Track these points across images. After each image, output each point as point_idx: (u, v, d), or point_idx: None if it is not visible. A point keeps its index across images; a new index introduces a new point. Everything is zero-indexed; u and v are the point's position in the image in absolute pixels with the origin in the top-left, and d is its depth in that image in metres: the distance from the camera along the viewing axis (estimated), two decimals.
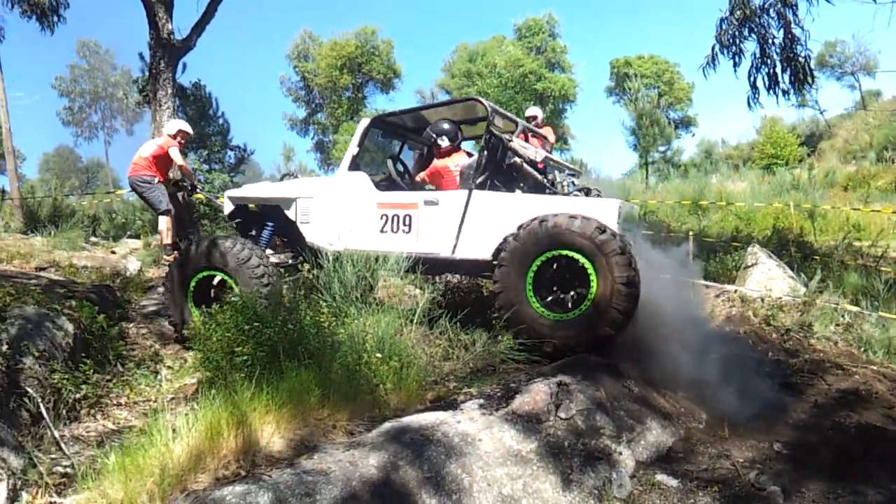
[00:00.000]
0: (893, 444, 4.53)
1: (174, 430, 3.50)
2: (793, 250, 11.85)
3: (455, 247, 6.08)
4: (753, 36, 9.82)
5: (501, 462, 3.71)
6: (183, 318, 6.39)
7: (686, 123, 38.87)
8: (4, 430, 3.90)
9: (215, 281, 6.40)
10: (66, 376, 4.80)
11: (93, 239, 12.26)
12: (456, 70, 37.42)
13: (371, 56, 37.54)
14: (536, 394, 4.36)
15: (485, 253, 5.97)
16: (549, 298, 5.60)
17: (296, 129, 42.11)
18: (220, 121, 18.23)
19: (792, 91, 9.73)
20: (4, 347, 4.61)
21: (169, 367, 5.85)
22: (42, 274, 7.88)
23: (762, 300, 8.25)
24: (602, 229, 5.35)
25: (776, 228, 13.58)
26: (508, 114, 7.03)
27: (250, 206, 7.36)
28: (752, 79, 9.72)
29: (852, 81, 36.56)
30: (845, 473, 4.17)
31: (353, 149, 6.72)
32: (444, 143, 6.76)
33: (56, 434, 4.22)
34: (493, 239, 5.94)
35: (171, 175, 9.69)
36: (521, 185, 6.54)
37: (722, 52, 9.88)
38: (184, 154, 9.99)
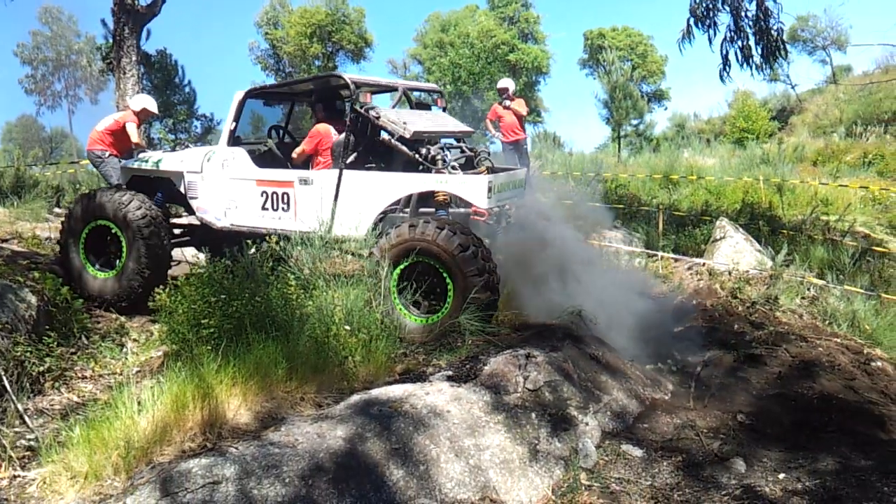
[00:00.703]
0: (852, 414, 4.63)
1: (139, 403, 3.47)
2: (761, 224, 11.98)
3: (331, 226, 6.10)
4: (727, 8, 9.80)
5: (469, 433, 3.73)
6: (72, 268, 6.62)
7: (659, 97, 38.93)
8: None
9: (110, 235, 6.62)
10: (30, 349, 4.72)
11: (56, 210, 11.99)
12: (428, 40, 37.01)
13: (342, 24, 36.95)
14: (504, 366, 4.39)
15: (359, 232, 5.99)
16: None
17: (268, 104, 41.46)
18: (187, 90, 17.93)
19: (764, 65, 9.75)
20: None
21: (135, 340, 5.79)
22: (4, 245, 7.72)
23: (729, 273, 8.35)
24: (440, 227, 5.38)
25: (745, 202, 13.70)
26: (383, 80, 6.99)
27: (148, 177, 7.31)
28: (724, 52, 9.69)
29: (824, 56, 36.76)
30: (805, 442, 4.26)
31: (229, 123, 6.68)
32: (320, 111, 6.78)
33: (20, 407, 4.15)
34: (365, 218, 5.99)
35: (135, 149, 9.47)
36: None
37: (697, 26, 9.83)
38: (147, 125, 9.78)
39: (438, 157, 6.09)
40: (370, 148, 6.47)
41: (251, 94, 6.89)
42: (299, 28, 36.70)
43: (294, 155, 6.72)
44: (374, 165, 6.52)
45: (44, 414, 4.30)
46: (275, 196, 6.42)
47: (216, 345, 4.17)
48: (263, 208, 6.48)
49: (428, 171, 6.03)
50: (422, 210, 6.06)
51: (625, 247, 9.83)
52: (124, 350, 5.49)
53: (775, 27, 9.48)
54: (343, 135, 6.30)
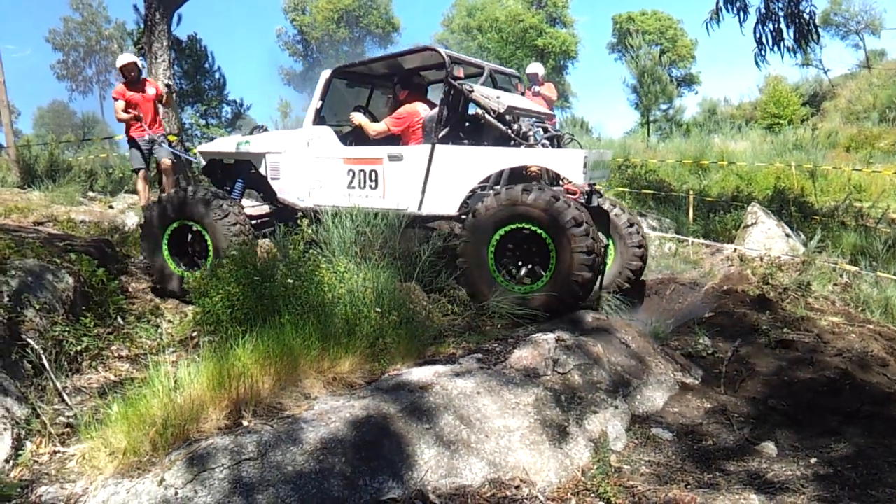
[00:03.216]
0: (885, 400, 4.58)
1: (176, 382, 3.53)
2: (793, 210, 11.83)
3: (421, 202, 6.03)
4: None
5: (499, 415, 3.76)
6: (158, 266, 6.56)
7: (689, 81, 38.51)
8: (7, 381, 3.93)
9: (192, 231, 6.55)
10: (68, 328, 4.82)
11: (90, 194, 12.19)
12: (455, 25, 36.90)
13: (369, 9, 37.00)
14: (534, 349, 4.40)
15: (451, 208, 5.93)
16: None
17: (293, 83, 41.68)
18: (217, 75, 18.04)
19: (796, 48, 9.60)
20: (6, 299, 4.62)
21: (169, 321, 5.88)
22: (41, 228, 7.86)
23: (761, 259, 8.27)
24: (557, 198, 5.27)
25: (777, 188, 13.54)
26: (472, 59, 6.86)
27: (224, 160, 7.30)
28: (757, 35, 9.57)
29: (857, 40, 36.11)
30: (837, 428, 4.23)
31: (316, 102, 6.60)
32: (400, 91, 6.64)
33: (58, 385, 4.25)
34: (457, 194, 5.90)
35: (166, 128, 9.50)
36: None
37: (726, 7, 9.71)
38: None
39: (531, 132, 6.01)
40: (459, 124, 6.35)
41: (338, 72, 6.82)
42: (326, 13, 36.80)
43: (374, 133, 6.57)
44: (464, 141, 6.37)
45: (82, 392, 4.40)
46: (362, 174, 6.32)
47: (250, 326, 4.23)
48: (350, 186, 6.39)
49: (519, 146, 5.95)
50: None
51: (654, 232, 9.77)
52: (159, 330, 5.58)
53: (807, 10, 9.33)
54: (436, 109, 6.19)
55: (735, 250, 8.80)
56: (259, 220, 7.20)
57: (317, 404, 3.58)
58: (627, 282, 6.79)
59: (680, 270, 8.25)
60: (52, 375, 4.29)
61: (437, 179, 5.97)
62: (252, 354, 3.77)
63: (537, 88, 12.07)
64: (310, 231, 5.45)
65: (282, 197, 6.77)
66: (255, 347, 3.84)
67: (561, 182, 6.38)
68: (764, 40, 9.63)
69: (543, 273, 5.44)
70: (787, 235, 9.22)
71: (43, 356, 4.36)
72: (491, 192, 5.60)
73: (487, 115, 6.06)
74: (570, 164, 5.56)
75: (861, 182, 14.18)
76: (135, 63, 8.97)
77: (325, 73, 6.64)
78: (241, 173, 7.15)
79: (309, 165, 6.58)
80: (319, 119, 6.63)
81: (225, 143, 7.25)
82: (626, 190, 13.58)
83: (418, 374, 4.02)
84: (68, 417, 3.98)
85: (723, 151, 17.97)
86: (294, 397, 3.73)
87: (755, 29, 9.57)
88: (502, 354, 4.41)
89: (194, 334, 5.12)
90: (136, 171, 9.23)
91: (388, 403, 3.60)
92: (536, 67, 12.33)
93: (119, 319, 5.60)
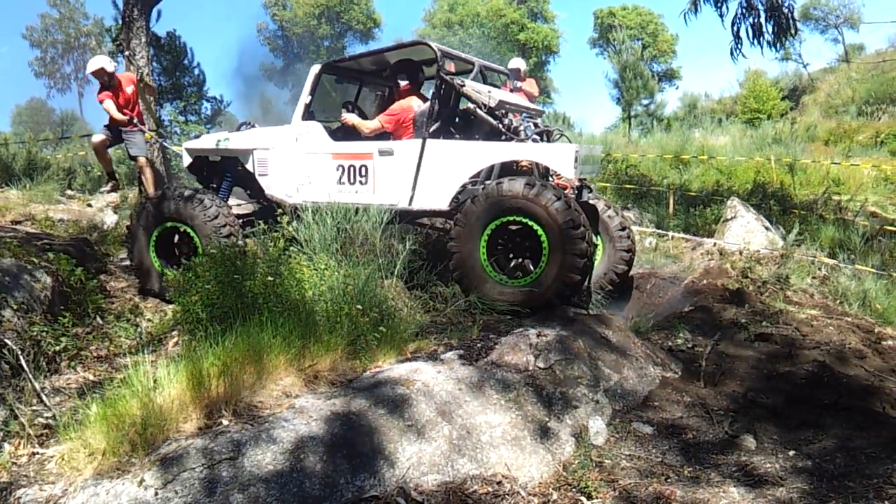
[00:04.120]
0: (863, 392, 4.65)
1: (155, 382, 3.51)
2: (772, 204, 11.94)
3: (412, 198, 6.01)
4: None
5: (481, 411, 3.77)
6: (145, 268, 6.49)
7: (670, 76, 38.69)
8: None
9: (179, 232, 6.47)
10: (46, 328, 4.77)
11: (69, 192, 12.08)
12: (436, 20, 36.83)
13: (350, 5, 36.83)
14: (516, 345, 4.41)
15: (441, 203, 5.93)
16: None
17: (273, 79, 41.42)
18: (196, 71, 17.88)
19: (776, 42, 9.66)
20: None
21: (149, 320, 5.83)
22: (18, 227, 7.78)
23: (740, 253, 8.34)
24: (559, 197, 5.26)
25: (757, 182, 13.66)
26: (462, 54, 6.85)
27: (210, 157, 7.24)
28: (735, 28, 9.61)
29: (836, 35, 36.40)
30: (816, 421, 4.27)
31: (305, 97, 6.53)
32: (403, 81, 6.58)
33: (37, 386, 4.21)
34: (449, 189, 5.89)
35: (141, 123, 9.36)
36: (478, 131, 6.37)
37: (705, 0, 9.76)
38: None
39: (521, 127, 5.99)
40: (450, 119, 6.33)
41: (327, 68, 6.77)
42: (307, 9, 36.61)
43: (367, 130, 6.50)
44: (454, 136, 6.35)
45: (60, 392, 4.36)
46: (352, 169, 6.28)
47: (230, 324, 4.20)
48: (340, 182, 6.34)
49: (510, 140, 5.94)
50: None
51: (635, 227, 9.82)
52: (139, 330, 5.54)
53: (786, 4, 9.39)
54: (427, 104, 6.16)
55: (715, 244, 8.87)
56: (246, 219, 7.13)
57: (297, 403, 3.57)
58: (611, 284, 6.83)
59: (660, 265, 8.32)
60: (31, 376, 4.24)
61: (428, 174, 5.96)
62: (232, 353, 3.75)
63: (518, 84, 12.08)
64: (290, 228, 5.42)
65: (270, 194, 6.71)
66: (235, 346, 3.82)
67: (551, 177, 6.40)
68: (742, 34, 9.68)
69: (533, 269, 5.45)
70: (767, 229, 9.31)
71: (21, 356, 4.31)
72: (493, 182, 5.57)
73: (479, 110, 6.05)
74: (560, 159, 5.57)
75: (840, 175, 14.33)
76: (103, 69, 8.85)
77: (315, 69, 6.59)
78: (228, 170, 7.09)
79: (298, 161, 6.53)
80: (308, 114, 6.57)
81: (211, 140, 7.17)
82: (608, 185, 13.64)
83: (399, 371, 4.03)
84: (47, 418, 3.94)
85: (703, 146, 18.09)
86: (274, 396, 3.72)
87: (734, 22, 9.63)
88: (484, 351, 4.43)
89: (174, 333, 5.09)
90: (135, 158, 9.12)
91: (369, 401, 3.60)
92: (518, 63, 12.32)
93: (98, 319, 5.56)
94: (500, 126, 6.00)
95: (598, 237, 6.79)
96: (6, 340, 4.35)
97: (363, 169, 6.24)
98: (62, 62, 58.55)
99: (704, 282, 7.19)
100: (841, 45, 35.39)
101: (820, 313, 6.39)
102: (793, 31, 9.49)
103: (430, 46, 6.27)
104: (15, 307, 4.73)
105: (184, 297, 4.72)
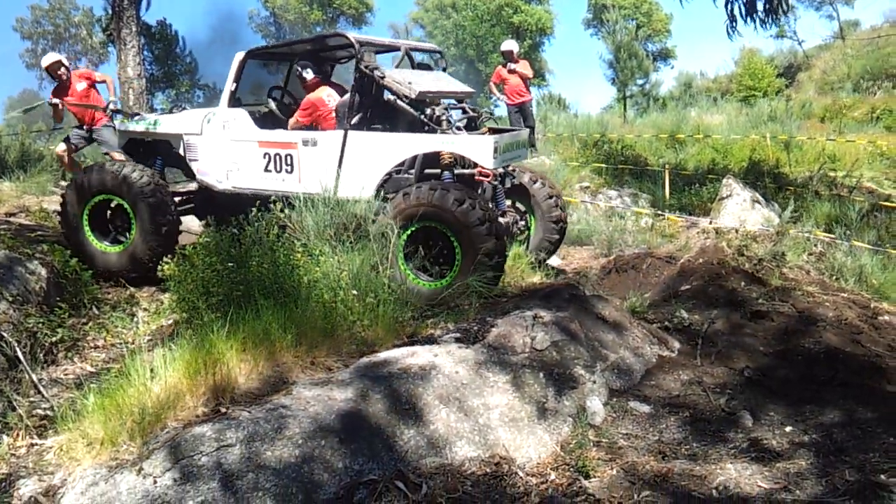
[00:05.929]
0: (859, 368, 4.65)
1: (152, 371, 3.51)
2: (768, 181, 11.92)
3: (336, 187, 6.07)
4: None
5: (478, 393, 3.77)
6: (79, 242, 6.54)
7: (664, 56, 38.45)
8: None
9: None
10: (42, 320, 4.78)
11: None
12: (429, 3, 36.57)
13: None
14: (512, 327, 4.41)
15: (366, 192, 5.98)
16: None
17: (266, 66, 41.12)
18: (188, 59, 17.79)
19: (768, 19, 9.63)
20: None
21: (145, 310, 5.84)
22: (12, 219, 7.75)
23: (736, 231, 8.33)
24: (461, 201, 5.35)
25: (752, 160, 13.62)
26: (386, 40, 6.94)
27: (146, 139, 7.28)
28: (729, 7, 9.60)
29: (830, 11, 36.16)
30: (812, 396, 4.29)
31: (230, 84, 6.61)
32: (308, 75, 6.63)
33: (34, 377, 4.22)
34: (371, 179, 5.99)
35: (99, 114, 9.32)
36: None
37: None
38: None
39: (443, 117, 6.06)
40: (373, 109, 6.40)
41: (252, 54, 6.80)
42: None
43: (289, 128, 6.63)
44: (378, 127, 6.45)
45: (58, 383, 4.37)
46: (278, 158, 6.37)
47: (225, 312, 4.20)
48: (266, 170, 6.44)
49: (433, 131, 6.00)
50: (427, 171, 6.03)
51: (631, 207, 9.82)
52: (135, 319, 5.55)
53: None
54: (347, 95, 6.23)
55: (711, 223, 8.86)
56: (186, 197, 7.30)
57: (295, 389, 3.58)
58: (547, 252, 7.04)
59: (656, 244, 8.31)
60: (28, 367, 4.25)
61: (351, 165, 6.07)
62: (228, 341, 3.76)
63: (512, 66, 12.03)
64: (282, 215, 5.43)
65: (200, 178, 6.82)
66: (232, 334, 3.83)
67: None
68: (736, 12, 9.66)
69: (449, 270, 5.59)
70: (762, 206, 9.30)
71: (17, 348, 4.32)
72: (401, 192, 5.66)
73: (399, 101, 6.11)
74: (479, 150, 5.70)
75: (835, 152, 14.28)
76: (60, 61, 9.01)
77: (239, 55, 6.65)
78: (161, 152, 7.16)
79: (226, 148, 6.62)
80: (234, 101, 6.66)
81: (144, 122, 7.19)
82: (604, 166, 13.61)
83: (397, 354, 4.03)
84: (45, 409, 3.96)
85: (699, 125, 18.03)
86: (272, 383, 3.72)
87: (727, 1, 9.60)
88: (480, 333, 4.42)
89: (170, 322, 5.09)
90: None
91: (366, 386, 3.60)
92: (511, 44, 12.26)
93: (94, 309, 5.56)
94: (422, 116, 6.08)
95: (530, 212, 7.03)
96: (2, 332, 4.36)
97: (288, 158, 6.35)
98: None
99: (700, 261, 7.18)
100: (836, 22, 35.18)
101: (816, 290, 6.39)
102: (784, 9, 9.46)
103: (346, 37, 6.37)
104: (10, 299, 4.73)
105: (180, 286, 4.71)
